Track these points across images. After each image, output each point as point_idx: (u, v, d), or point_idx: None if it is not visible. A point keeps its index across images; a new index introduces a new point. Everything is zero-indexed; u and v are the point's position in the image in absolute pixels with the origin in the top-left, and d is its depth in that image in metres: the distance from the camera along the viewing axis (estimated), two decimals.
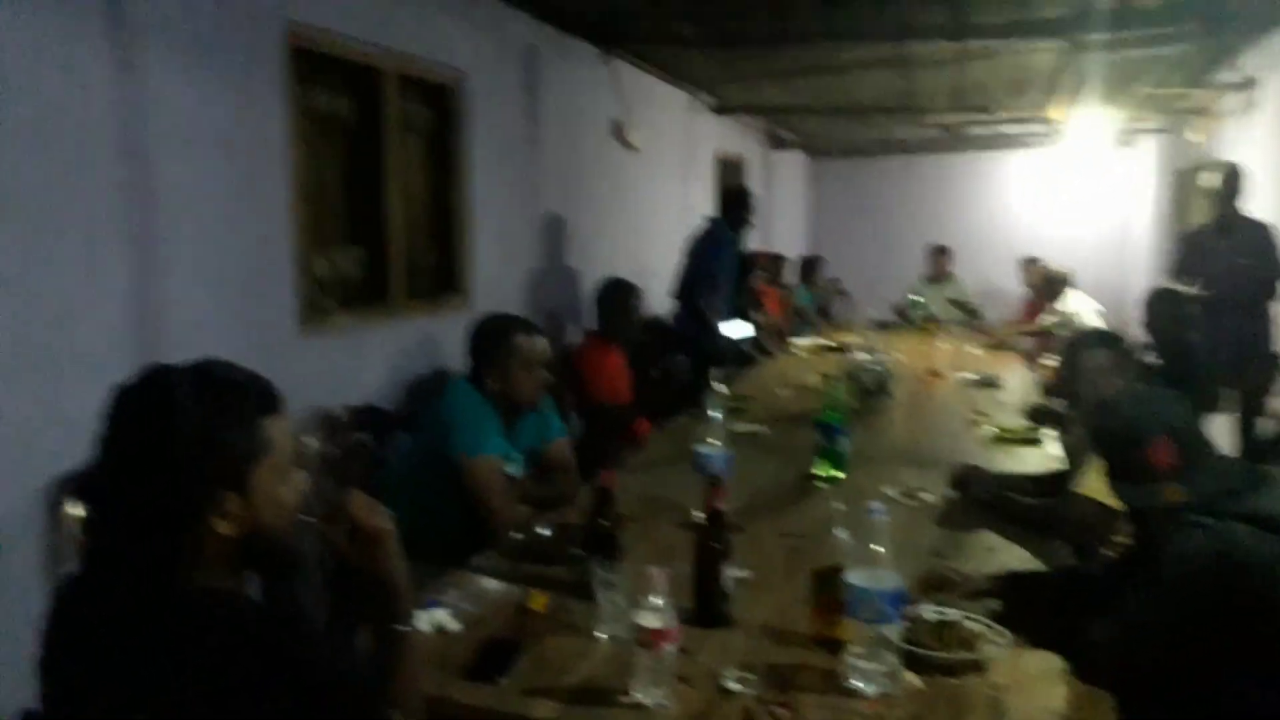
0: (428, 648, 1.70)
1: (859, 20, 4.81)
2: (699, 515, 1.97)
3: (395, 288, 3.86)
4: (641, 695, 1.54)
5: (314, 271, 3.47)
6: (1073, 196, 10.31)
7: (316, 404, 3.21)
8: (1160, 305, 4.06)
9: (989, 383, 4.66)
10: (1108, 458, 1.87)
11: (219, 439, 1.20)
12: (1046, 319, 6.66)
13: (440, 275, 4.24)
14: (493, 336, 2.63)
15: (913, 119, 8.28)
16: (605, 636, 1.75)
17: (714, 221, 5.56)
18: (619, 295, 4.31)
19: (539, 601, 1.89)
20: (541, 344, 2.64)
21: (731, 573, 1.87)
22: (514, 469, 2.65)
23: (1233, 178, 4.97)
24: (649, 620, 1.55)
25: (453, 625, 1.79)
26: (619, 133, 5.78)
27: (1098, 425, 1.97)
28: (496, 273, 4.52)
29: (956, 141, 9.79)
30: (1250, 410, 4.82)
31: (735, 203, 5.52)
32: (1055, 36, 4.84)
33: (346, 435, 2.96)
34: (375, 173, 3.77)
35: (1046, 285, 6.56)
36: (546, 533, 2.27)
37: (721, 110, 7.54)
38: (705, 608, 1.84)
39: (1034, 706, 1.56)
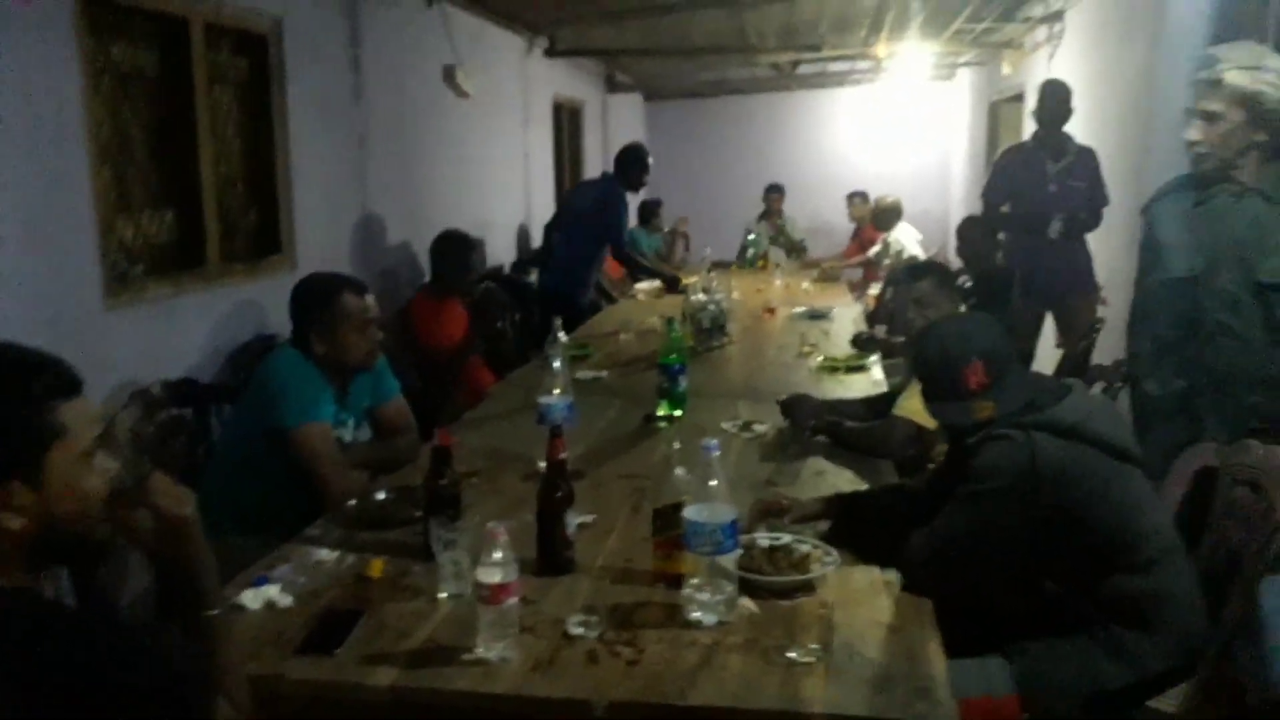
0: (255, 627, 1.64)
1: None
2: (542, 465, 1.97)
3: (211, 251, 3.64)
4: (484, 651, 1.53)
5: (120, 237, 3.23)
6: (896, 131, 10.72)
7: (129, 380, 3.01)
8: (970, 232, 4.30)
9: (817, 315, 4.84)
10: (925, 380, 1.97)
11: (1, 426, 1.11)
12: (873, 250, 6.97)
13: (261, 236, 4.02)
14: (317, 297, 2.52)
15: (745, 59, 8.39)
16: (447, 596, 1.73)
17: (612, 180, 5.54)
18: (452, 247, 4.21)
19: (376, 568, 1.85)
20: (370, 302, 2.55)
21: (574, 519, 1.88)
22: (348, 434, 2.57)
23: (1061, 97, 4.61)
24: (490, 576, 1.54)
25: (284, 601, 1.72)
26: (451, 79, 5.60)
27: (916, 351, 2.07)
28: (323, 231, 4.32)
29: (787, 81, 9.98)
30: (1072, 339, 4.57)
31: (633, 163, 5.51)
32: None
33: (162, 412, 2.78)
34: (185, 130, 3.52)
35: (879, 216, 6.83)
36: (384, 497, 2.22)
37: (556, 53, 7.42)
38: (549, 556, 1.85)
39: (861, 619, 1.65)
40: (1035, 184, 4.56)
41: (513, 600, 1.55)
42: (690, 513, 1.64)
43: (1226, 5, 3.76)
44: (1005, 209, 4.71)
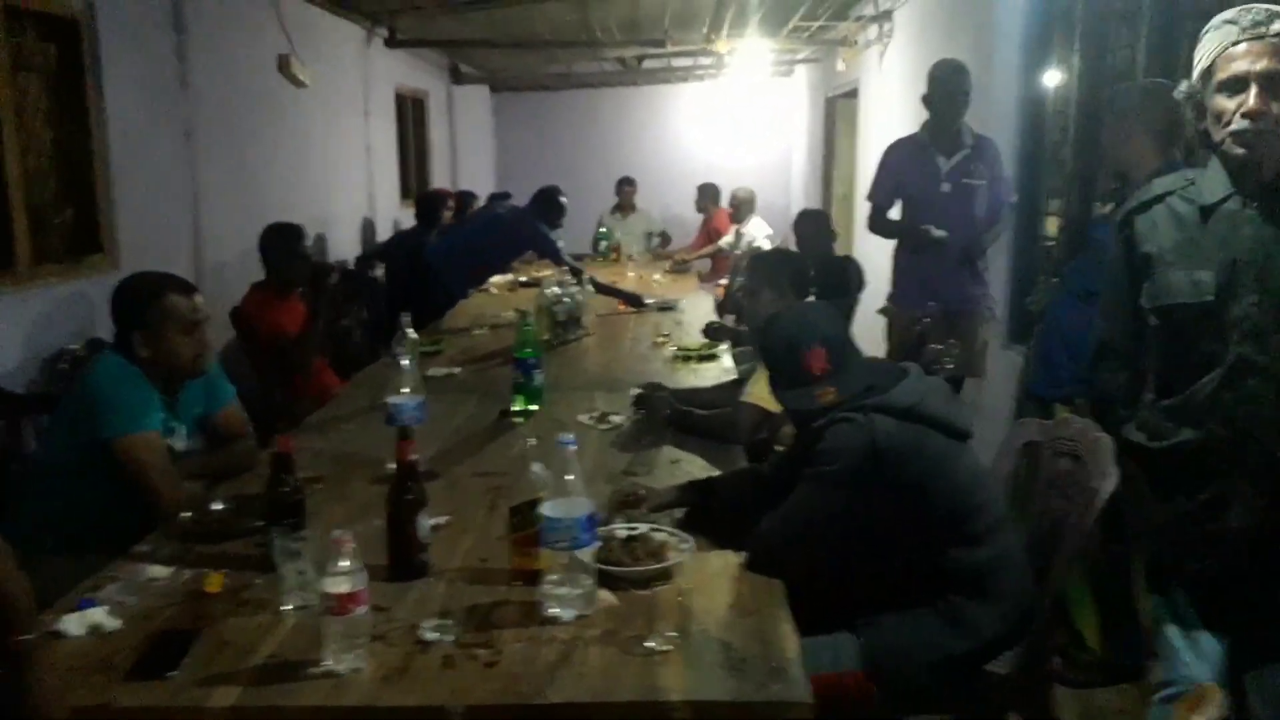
0: (79, 655, 1.52)
1: None
2: (392, 468, 1.91)
3: (21, 251, 3.35)
4: (333, 663, 1.47)
5: None
6: (740, 126, 10.99)
7: None
8: (805, 226, 4.42)
9: (666, 307, 4.90)
10: (771, 367, 2.02)
11: None
12: (724, 240, 7.12)
13: (78, 235, 3.73)
14: (140, 298, 2.35)
15: (590, 53, 8.40)
16: (292, 609, 1.66)
17: (531, 217, 5.49)
18: (281, 241, 4.01)
19: (215, 582, 1.75)
20: (199, 302, 2.40)
21: (428, 521, 1.83)
22: (180, 443, 2.42)
23: (956, 79, 3.81)
24: (336, 585, 1.48)
25: (112, 624, 1.60)
26: (286, 69, 5.35)
27: (762, 339, 2.12)
28: (149, 228, 4.05)
29: (634, 75, 10.06)
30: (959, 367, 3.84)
31: (552, 206, 5.52)
32: None
33: None
34: None
35: (734, 207, 6.98)
36: (221, 507, 2.11)
37: (396, 44, 7.21)
38: (402, 561, 1.79)
39: (717, 604, 1.68)
40: (926, 183, 3.88)
41: (362, 609, 1.50)
42: (546, 509, 1.62)
43: (1040, 8, 4.02)
44: (896, 213, 4.06)
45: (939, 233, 3.76)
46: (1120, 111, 2.84)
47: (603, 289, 5.02)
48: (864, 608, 1.86)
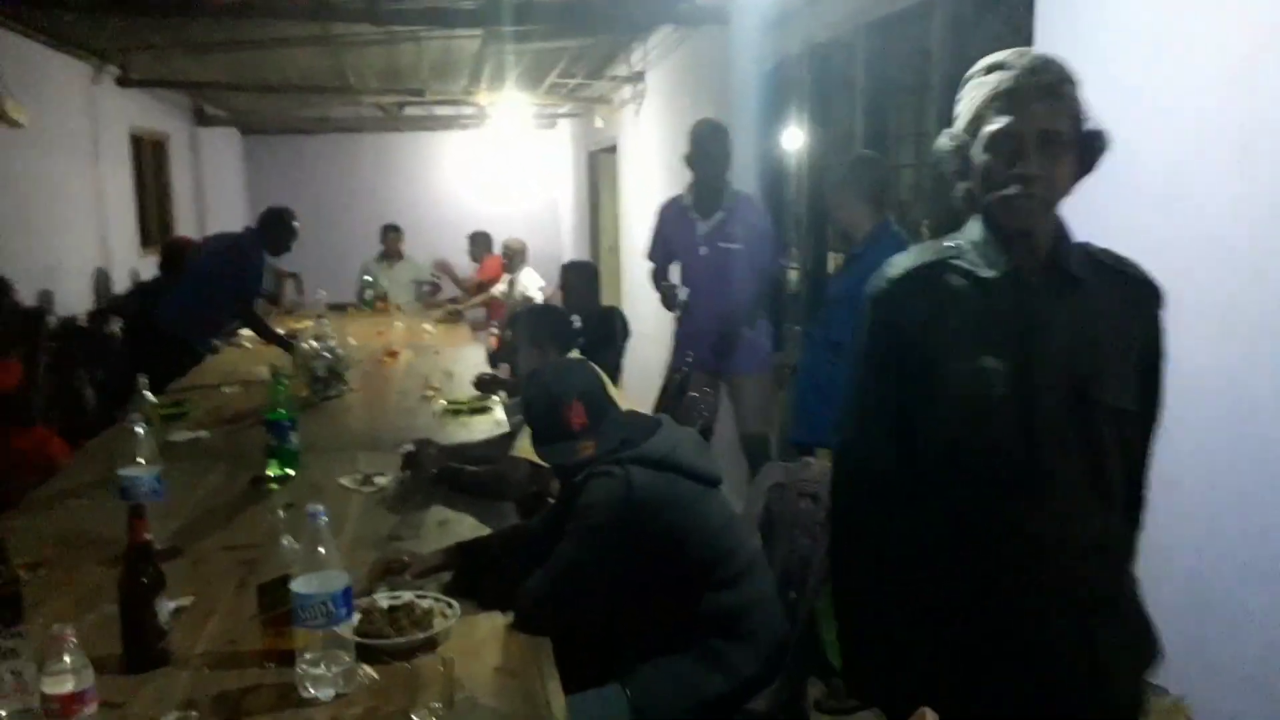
0: None
1: None
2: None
3: None
4: None
5: None
6: (506, 175, 11.07)
7: None
8: (570, 277, 4.51)
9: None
10: (532, 423, 2.05)
11: None
12: (498, 289, 7.13)
13: None
14: None
15: (347, 98, 8.19)
16: (8, 715, 1.48)
17: (256, 239, 5.10)
18: None
19: None
20: None
21: (168, 605, 1.70)
22: None
23: (714, 138, 3.81)
24: (58, 686, 1.35)
25: None
26: None
27: (524, 395, 2.14)
28: None
29: (396, 122, 9.91)
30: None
31: (280, 227, 5.12)
32: (468, 26, 5.08)
33: None
34: None
35: (507, 256, 7.00)
36: None
37: (130, 83, 6.71)
38: (138, 651, 1.65)
39: (484, 668, 1.67)
40: (686, 247, 3.90)
41: (90, 709, 1.37)
42: (298, 585, 1.55)
43: (774, 77, 4.37)
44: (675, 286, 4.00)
45: (681, 293, 3.91)
46: (834, 183, 3.20)
47: (264, 334, 4.96)
48: (628, 657, 1.91)
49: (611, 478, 1.85)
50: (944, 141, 1.42)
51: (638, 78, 6.68)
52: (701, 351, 3.84)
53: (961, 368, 1.37)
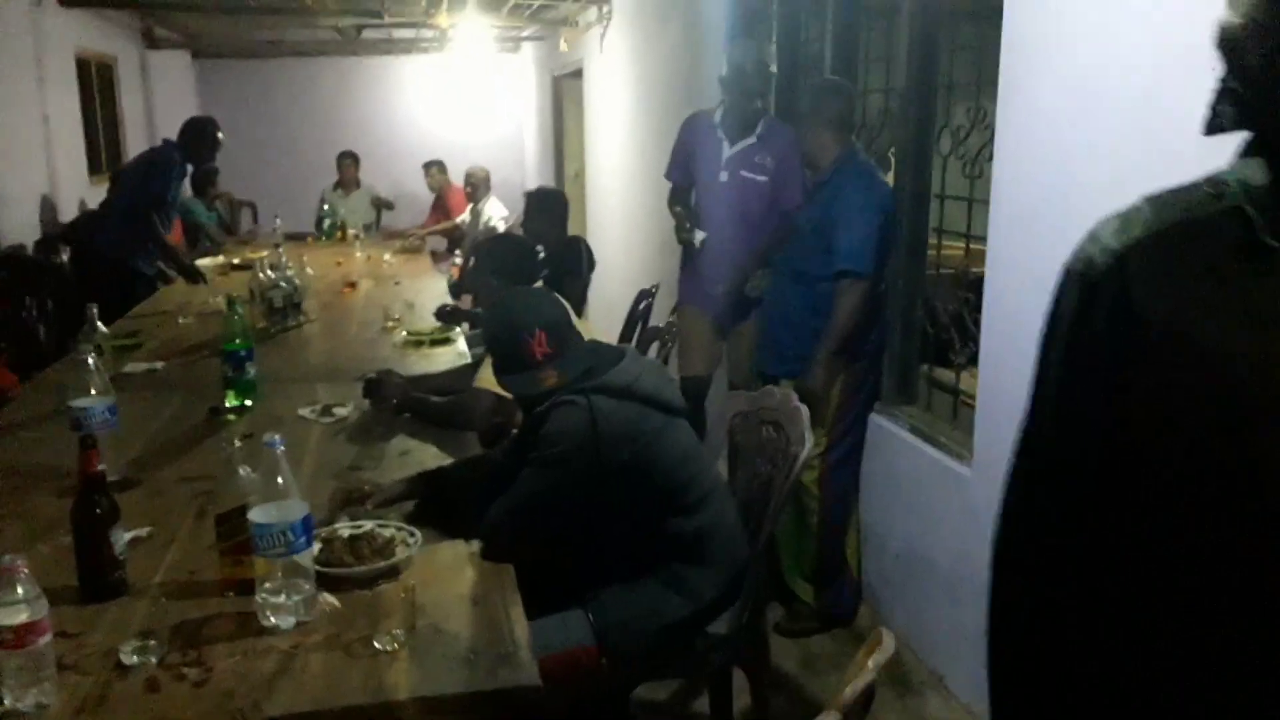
0: None
1: None
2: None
3: None
4: (12, 701, 1.32)
5: None
6: (469, 101, 10.81)
7: None
8: (536, 205, 4.43)
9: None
10: (495, 354, 2.03)
11: None
12: (460, 219, 7.01)
13: None
14: None
15: (303, 20, 7.91)
16: None
17: (170, 147, 5.00)
18: None
19: None
20: None
21: (124, 535, 1.68)
22: None
23: (753, 59, 3.37)
24: (11, 617, 1.32)
25: None
26: None
27: (486, 325, 2.11)
28: None
29: (354, 45, 9.60)
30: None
31: (200, 137, 5.00)
32: None
33: None
34: None
35: (469, 186, 6.86)
36: None
37: (74, 3, 6.43)
38: (93, 581, 1.64)
39: (446, 596, 1.67)
40: (708, 168, 3.48)
41: (44, 639, 1.35)
42: (256, 514, 1.53)
43: (738, 1, 4.26)
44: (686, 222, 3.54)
45: (698, 236, 3.46)
46: (800, 110, 3.13)
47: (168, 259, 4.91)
48: (591, 583, 1.92)
49: (574, 406, 1.83)
50: (1232, 17, 0.86)
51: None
52: (703, 300, 3.52)
53: (1233, 370, 0.87)
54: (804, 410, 2.08)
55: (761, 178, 3.39)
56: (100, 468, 1.64)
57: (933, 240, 3.02)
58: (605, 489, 1.85)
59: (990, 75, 2.47)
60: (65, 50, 6.64)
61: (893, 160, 3.20)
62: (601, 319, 5.12)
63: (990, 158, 2.52)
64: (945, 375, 2.98)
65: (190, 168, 5.19)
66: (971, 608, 2.45)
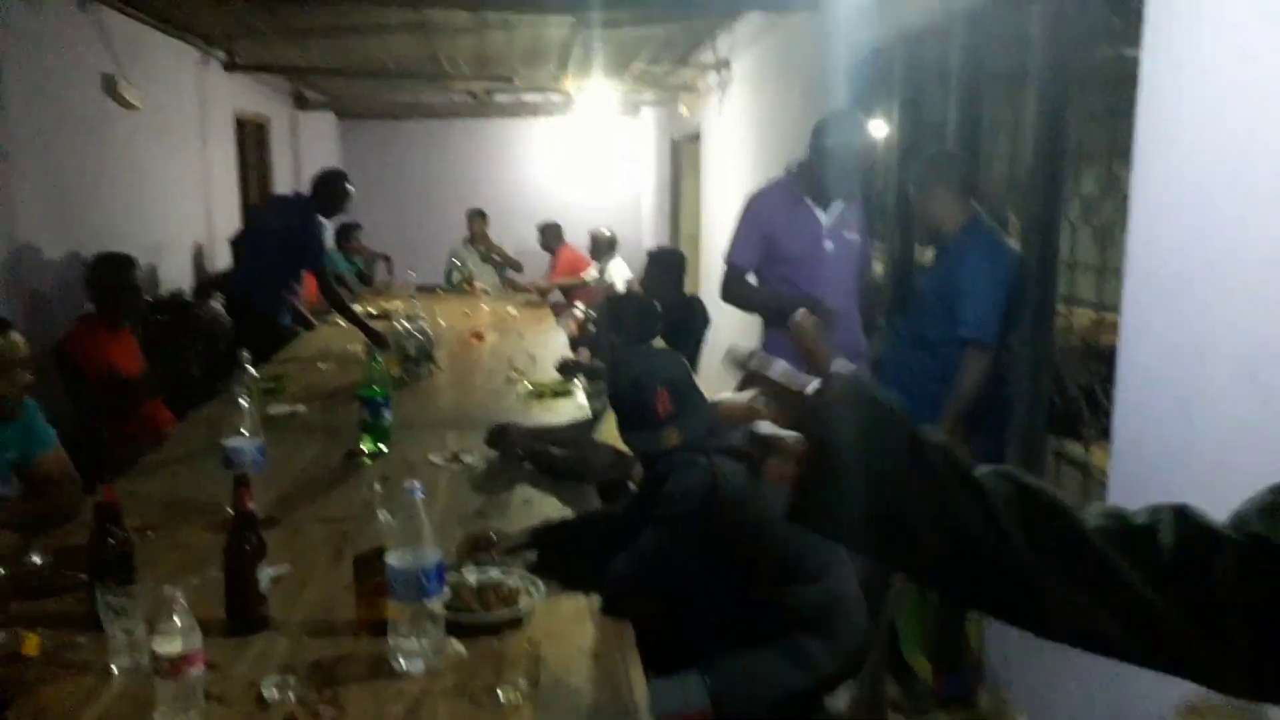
0: None
1: None
2: (229, 514, 1.84)
3: None
4: None
5: None
6: (589, 162, 11.14)
7: None
8: (656, 263, 4.51)
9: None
10: (619, 411, 2.07)
11: None
12: (589, 274, 7.20)
13: None
14: None
15: (439, 84, 8.34)
16: (119, 671, 1.57)
17: (306, 204, 5.27)
18: (111, 271, 3.81)
19: (32, 644, 1.64)
20: (15, 340, 2.26)
21: (268, 572, 1.78)
22: None
23: (858, 126, 3.35)
24: (168, 646, 1.42)
25: None
26: (112, 90, 5.08)
27: (611, 382, 2.17)
28: None
29: (484, 108, 10.06)
30: None
31: (332, 190, 5.27)
32: (559, 13, 5.15)
33: None
34: None
35: (595, 246, 7.09)
36: (39, 560, 1.97)
37: (235, 68, 6.96)
38: (240, 615, 1.73)
39: (568, 649, 1.70)
40: (805, 241, 3.32)
41: (196, 669, 1.44)
42: (393, 559, 1.60)
43: (865, 65, 4.29)
44: (752, 278, 3.43)
45: (832, 304, 3.23)
46: (921, 179, 3.12)
47: (347, 318, 5.01)
48: (710, 647, 1.92)
49: (697, 466, 1.86)
50: None
51: (724, 65, 6.64)
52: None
53: None
54: None
55: (858, 238, 3.41)
56: (251, 506, 1.75)
57: (1061, 308, 2.94)
58: (725, 551, 1.86)
59: (1123, 141, 2.42)
60: (226, 110, 7.17)
61: (1018, 226, 3.15)
62: (714, 376, 5.14)
63: (1124, 226, 2.46)
64: (1073, 448, 2.88)
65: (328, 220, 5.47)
66: (1101, 691, 2.34)
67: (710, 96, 7.13)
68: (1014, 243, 3.11)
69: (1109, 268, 2.66)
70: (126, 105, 5.15)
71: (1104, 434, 2.58)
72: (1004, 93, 3.52)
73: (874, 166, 3.52)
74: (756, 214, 3.42)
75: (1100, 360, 2.68)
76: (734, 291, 3.44)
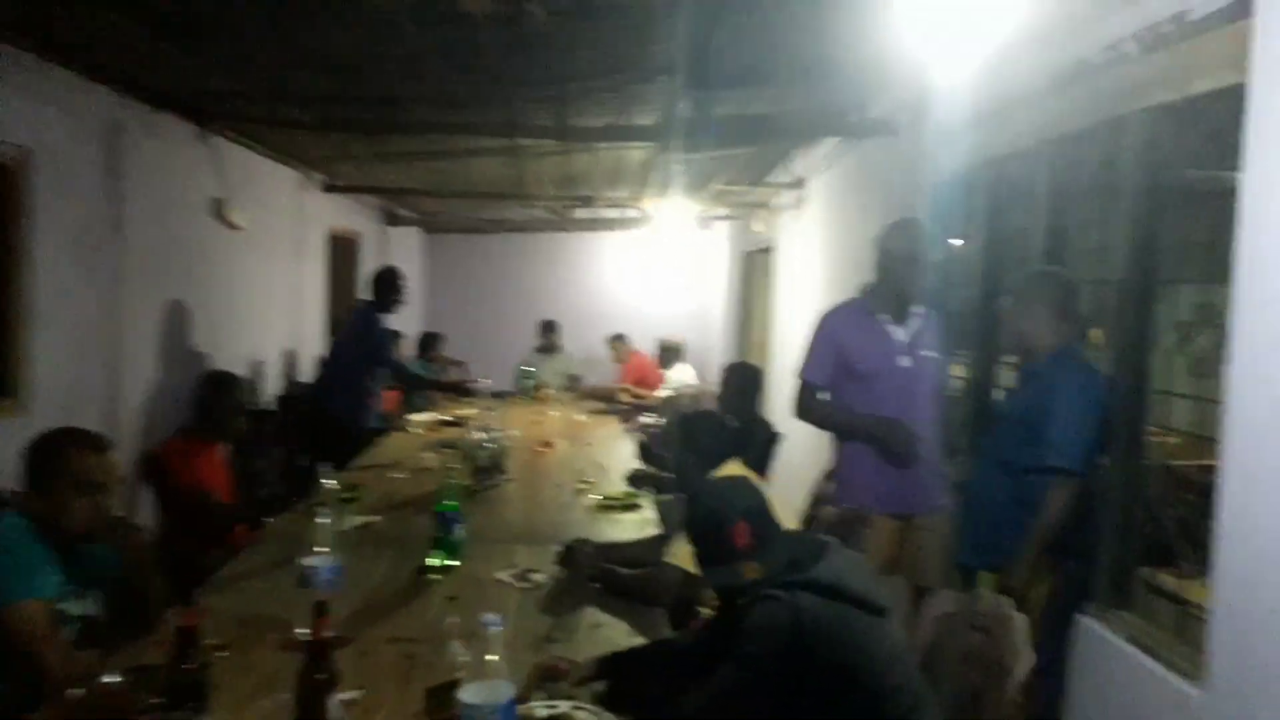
0: None
1: (468, 114, 4.94)
2: (304, 634, 1.83)
3: None
4: None
5: None
6: (661, 273, 11.37)
7: None
8: (734, 377, 4.50)
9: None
10: (695, 543, 2.02)
11: None
12: (665, 388, 7.25)
13: None
14: (43, 453, 2.29)
15: (523, 203, 8.67)
16: None
17: (370, 309, 5.60)
18: (219, 389, 3.99)
19: None
20: (106, 462, 2.33)
21: (338, 701, 1.76)
22: (81, 607, 2.30)
23: (921, 238, 3.33)
24: None
25: None
26: (220, 212, 5.39)
27: (687, 514, 2.13)
28: (68, 371, 3.95)
29: (563, 222, 10.39)
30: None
31: (386, 286, 5.60)
32: (645, 141, 5.33)
33: None
34: None
35: (662, 353, 7.15)
36: (116, 680, 1.98)
37: (333, 189, 7.35)
38: None
39: None
40: (880, 358, 3.25)
41: None
42: (466, 694, 1.58)
43: (945, 188, 4.31)
44: (825, 395, 3.35)
45: (909, 424, 3.16)
46: (1021, 292, 3.08)
47: (425, 385, 5.45)
48: None
49: (779, 603, 1.80)
50: None
51: (799, 183, 6.76)
52: (884, 487, 3.23)
53: None
54: (1020, 620, 1.95)
55: (936, 355, 3.32)
56: (329, 634, 1.74)
57: (1152, 435, 2.83)
58: (807, 692, 1.79)
59: (1222, 264, 2.34)
60: (321, 229, 7.52)
61: (1101, 348, 3.07)
62: (783, 496, 5.05)
63: (1223, 357, 2.37)
64: (1167, 579, 2.73)
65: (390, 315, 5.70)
66: None
67: (784, 212, 7.23)
68: (1102, 367, 3.03)
69: (1203, 397, 2.57)
70: (233, 227, 5.45)
71: (1201, 568, 2.44)
72: (1091, 217, 3.47)
73: (939, 274, 3.46)
74: (829, 331, 3.36)
75: (1193, 490, 2.56)
76: (806, 408, 3.37)
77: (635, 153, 6.15)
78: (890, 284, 3.27)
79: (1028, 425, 2.84)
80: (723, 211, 9.20)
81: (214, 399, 3.95)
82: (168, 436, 4.02)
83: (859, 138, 5.15)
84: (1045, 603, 2.77)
